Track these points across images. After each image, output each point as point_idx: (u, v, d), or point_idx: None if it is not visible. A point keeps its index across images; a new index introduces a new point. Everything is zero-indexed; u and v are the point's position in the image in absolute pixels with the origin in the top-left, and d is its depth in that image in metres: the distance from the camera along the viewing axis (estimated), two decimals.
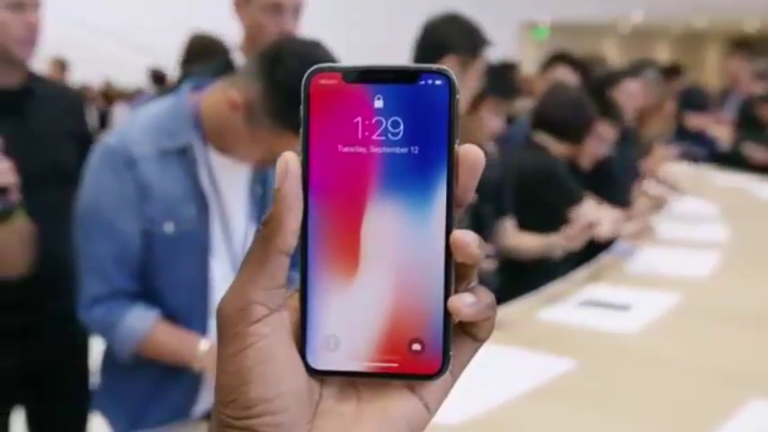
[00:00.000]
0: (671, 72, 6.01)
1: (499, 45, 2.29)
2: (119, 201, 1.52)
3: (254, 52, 1.55)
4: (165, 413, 1.63)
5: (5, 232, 1.54)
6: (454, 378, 0.43)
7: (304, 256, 0.41)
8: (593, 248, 3.12)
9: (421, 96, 0.40)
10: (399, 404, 0.41)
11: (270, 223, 0.40)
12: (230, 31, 2.24)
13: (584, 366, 1.91)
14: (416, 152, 0.40)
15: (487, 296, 0.41)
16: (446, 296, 0.41)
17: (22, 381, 1.98)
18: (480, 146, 0.40)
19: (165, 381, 1.61)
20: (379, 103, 0.40)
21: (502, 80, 2.50)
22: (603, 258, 3.12)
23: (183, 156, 1.55)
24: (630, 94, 3.66)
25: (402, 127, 0.40)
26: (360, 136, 0.40)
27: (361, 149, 0.40)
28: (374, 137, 0.40)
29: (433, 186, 0.40)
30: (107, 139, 1.57)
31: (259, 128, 1.47)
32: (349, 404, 0.42)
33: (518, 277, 2.70)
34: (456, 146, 0.40)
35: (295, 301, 0.42)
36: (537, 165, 2.82)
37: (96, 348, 1.82)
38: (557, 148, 2.88)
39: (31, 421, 2.06)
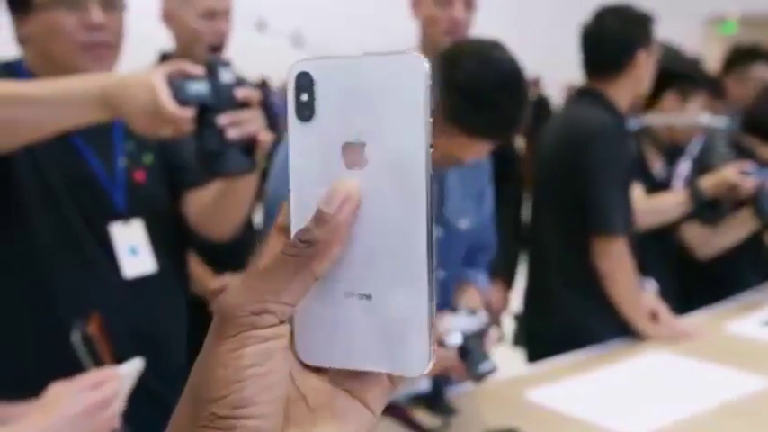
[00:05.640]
0: None
1: (684, 40, 2.17)
2: None
3: (432, 53, 1.56)
4: None
5: (244, 186, 1.50)
6: (394, 387, 0.43)
7: None
8: None
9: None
10: (344, 404, 0.42)
11: (312, 246, 0.39)
12: (410, 29, 2.27)
13: None
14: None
15: None
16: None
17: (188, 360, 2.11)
18: None
19: None
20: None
21: None
22: None
23: None
24: None
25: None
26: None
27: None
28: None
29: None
30: None
31: (434, 128, 1.48)
32: (300, 407, 0.41)
33: (705, 286, 2.55)
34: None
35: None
36: None
37: None
38: (766, 152, 2.66)
39: None
